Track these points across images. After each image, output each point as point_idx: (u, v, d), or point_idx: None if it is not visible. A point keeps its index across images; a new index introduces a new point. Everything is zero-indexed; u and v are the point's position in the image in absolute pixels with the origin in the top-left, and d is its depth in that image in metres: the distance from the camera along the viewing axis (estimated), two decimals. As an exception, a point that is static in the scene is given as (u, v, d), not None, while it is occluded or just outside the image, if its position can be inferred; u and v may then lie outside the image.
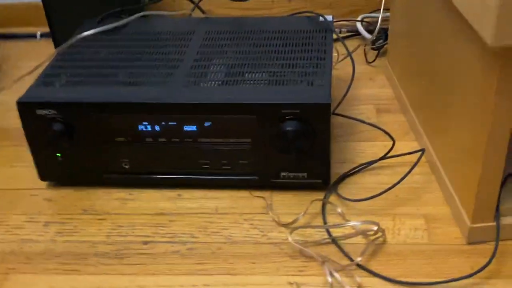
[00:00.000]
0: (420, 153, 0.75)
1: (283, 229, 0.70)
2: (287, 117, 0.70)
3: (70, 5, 1.04)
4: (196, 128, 0.72)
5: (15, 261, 0.68)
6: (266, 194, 0.75)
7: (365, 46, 1.05)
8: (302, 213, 0.71)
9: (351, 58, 0.82)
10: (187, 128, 0.72)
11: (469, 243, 0.66)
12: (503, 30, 0.50)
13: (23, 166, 0.82)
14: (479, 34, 0.53)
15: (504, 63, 0.54)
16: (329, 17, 0.87)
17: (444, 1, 0.63)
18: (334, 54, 0.85)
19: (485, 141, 0.59)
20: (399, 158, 0.78)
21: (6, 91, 1.00)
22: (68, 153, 0.75)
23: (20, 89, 0.75)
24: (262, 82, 0.74)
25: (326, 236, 0.68)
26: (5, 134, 0.91)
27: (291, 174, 0.74)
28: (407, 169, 0.74)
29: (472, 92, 0.61)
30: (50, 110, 0.72)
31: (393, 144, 0.77)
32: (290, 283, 0.63)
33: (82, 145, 0.74)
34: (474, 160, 0.62)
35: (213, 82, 0.74)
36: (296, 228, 0.69)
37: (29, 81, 0.78)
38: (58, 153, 0.75)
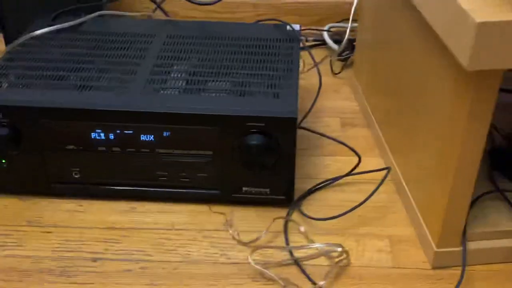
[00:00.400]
0: (386, 171, 0.73)
1: (244, 248, 0.66)
2: (251, 130, 0.66)
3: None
4: (154, 138, 0.68)
5: (-51, 278, 0.62)
6: (226, 209, 0.71)
7: (331, 56, 1.03)
8: (264, 232, 0.68)
9: (318, 70, 0.79)
10: (144, 137, 0.68)
11: (435, 268, 0.64)
12: (481, 53, 0.48)
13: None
14: (455, 56, 0.51)
15: (479, 87, 0.52)
16: (297, 26, 0.84)
17: (417, 18, 0.61)
18: (300, 63, 0.82)
19: (454, 165, 0.57)
20: (364, 175, 0.75)
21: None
22: (13, 160, 0.69)
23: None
24: (225, 91, 0.70)
25: (289, 256, 0.65)
26: None
27: (253, 190, 0.71)
28: (371, 187, 0.72)
29: (442, 113, 0.59)
30: (-5, 114, 0.66)
31: (359, 161, 0.75)
32: (249, 308, 0.60)
33: (29, 151, 0.69)
34: (442, 183, 0.60)
35: (173, 90, 0.70)
36: (257, 248, 0.66)
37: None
38: (3, 159, 0.69)
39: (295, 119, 0.66)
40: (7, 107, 0.66)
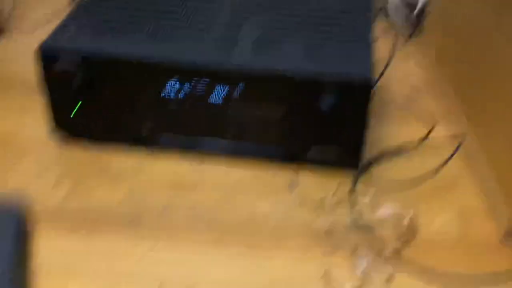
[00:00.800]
0: (458, 141, 0.71)
1: (309, 209, 0.66)
2: (325, 91, 0.65)
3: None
4: (227, 92, 0.68)
5: (22, 219, 0.63)
6: (293, 169, 0.71)
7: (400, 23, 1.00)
8: (331, 194, 0.67)
9: (394, 35, 0.77)
10: (216, 91, 0.68)
11: (506, 242, 0.62)
12: None
13: (32, 117, 0.76)
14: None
15: None
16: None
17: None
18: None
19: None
20: (433, 144, 0.74)
21: (19, 35, 0.94)
22: (86, 107, 0.70)
23: (36, 35, 0.71)
24: (298, 51, 0.69)
25: (355, 220, 0.65)
26: (12, 81, 0.85)
27: (321, 152, 0.70)
28: (441, 157, 0.70)
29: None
30: (72, 59, 0.67)
31: (431, 130, 0.73)
32: (318, 265, 0.59)
33: (102, 99, 0.69)
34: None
35: (247, 46, 0.69)
36: (323, 210, 0.66)
37: (45, 26, 0.73)
38: (76, 105, 0.70)
39: (372, 82, 0.64)
40: (85, 54, 0.67)
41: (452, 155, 0.69)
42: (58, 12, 0.80)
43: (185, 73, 0.67)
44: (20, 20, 0.97)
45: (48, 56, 0.67)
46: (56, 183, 0.69)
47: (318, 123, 0.67)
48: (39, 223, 0.63)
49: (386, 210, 0.65)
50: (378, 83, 0.84)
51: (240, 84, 0.67)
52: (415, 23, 0.98)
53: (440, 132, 0.76)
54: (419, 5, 0.95)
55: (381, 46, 0.91)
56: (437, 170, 0.68)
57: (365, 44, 0.70)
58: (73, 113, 0.70)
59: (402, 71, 0.89)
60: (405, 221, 0.64)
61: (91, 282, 0.58)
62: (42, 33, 0.89)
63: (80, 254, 0.60)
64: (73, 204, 0.66)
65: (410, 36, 0.97)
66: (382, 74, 0.81)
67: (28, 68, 0.85)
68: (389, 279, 0.59)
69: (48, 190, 0.67)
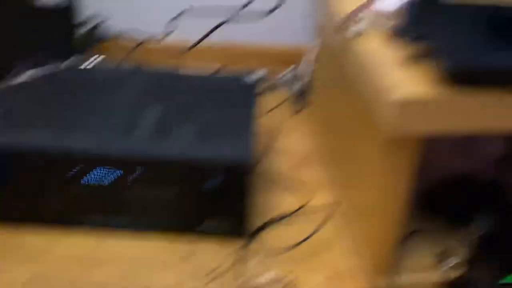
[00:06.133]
0: (333, 208, 0.81)
1: (200, 277, 0.74)
2: (210, 173, 0.74)
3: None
4: (123, 175, 0.75)
5: None
6: (188, 241, 0.79)
7: (292, 97, 1.11)
8: (223, 262, 0.75)
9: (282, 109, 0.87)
10: (115, 174, 0.76)
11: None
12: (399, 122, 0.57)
13: None
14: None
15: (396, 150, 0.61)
16: (261, 72, 0.93)
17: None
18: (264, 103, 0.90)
19: (383, 206, 0.67)
20: (316, 209, 0.84)
21: None
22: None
23: None
24: (188, 137, 0.78)
25: (244, 284, 0.73)
26: None
27: (213, 224, 0.78)
28: (318, 223, 0.80)
29: (371, 164, 0.69)
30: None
31: (310, 198, 0.83)
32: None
33: (15, 186, 0.76)
34: (376, 218, 0.69)
35: (143, 134, 0.78)
36: (213, 278, 0.74)
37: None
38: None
39: (251, 164, 0.74)
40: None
41: (324, 222, 0.79)
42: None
43: (86, 162, 0.75)
44: None
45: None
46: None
47: (208, 200, 0.76)
48: None
49: (268, 274, 0.74)
50: (264, 157, 0.94)
51: (137, 169, 0.75)
52: (301, 95, 1.09)
53: (319, 200, 0.86)
54: (300, 83, 1.07)
55: (271, 119, 1.03)
56: (312, 235, 0.78)
57: (247, 128, 0.80)
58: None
59: (288, 143, 1.00)
60: (285, 283, 0.73)
61: None
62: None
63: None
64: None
65: (298, 110, 1.08)
66: (269, 148, 0.91)
67: None
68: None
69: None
